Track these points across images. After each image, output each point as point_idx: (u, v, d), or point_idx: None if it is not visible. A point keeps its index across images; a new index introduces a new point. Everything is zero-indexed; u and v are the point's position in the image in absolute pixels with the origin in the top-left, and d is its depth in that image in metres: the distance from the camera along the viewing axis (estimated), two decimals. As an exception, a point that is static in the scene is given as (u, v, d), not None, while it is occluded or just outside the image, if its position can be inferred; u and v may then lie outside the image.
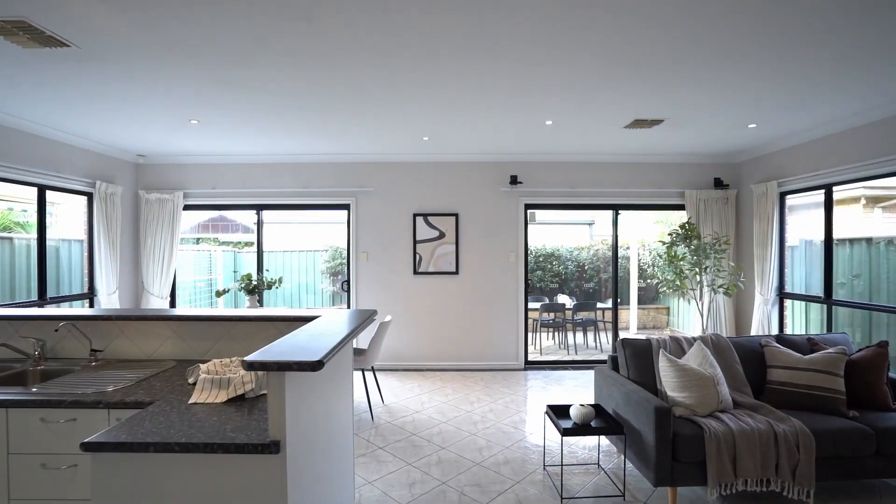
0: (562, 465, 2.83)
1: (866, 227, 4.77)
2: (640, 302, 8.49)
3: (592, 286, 8.79)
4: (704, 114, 3.85)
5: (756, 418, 2.57)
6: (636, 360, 3.00)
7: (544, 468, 3.02)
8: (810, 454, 2.42)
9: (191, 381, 1.98)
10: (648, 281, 8.51)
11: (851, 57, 2.69)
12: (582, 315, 7.11)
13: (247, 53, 2.63)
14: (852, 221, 4.82)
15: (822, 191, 4.37)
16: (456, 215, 5.47)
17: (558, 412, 2.91)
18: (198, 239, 9.78)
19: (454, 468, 3.02)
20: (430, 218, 5.46)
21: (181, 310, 2.64)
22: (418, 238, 5.45)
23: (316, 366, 1.35)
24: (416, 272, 5.46)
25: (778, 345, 3.07)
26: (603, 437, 3.28)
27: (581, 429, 2.67)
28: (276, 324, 2.39)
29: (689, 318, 6.67)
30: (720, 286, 4.84)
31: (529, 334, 7.14)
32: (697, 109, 3.74)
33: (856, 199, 5.16)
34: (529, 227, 5.64)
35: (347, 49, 2.58)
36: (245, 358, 1.36)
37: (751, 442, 2.43)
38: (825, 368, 2.76)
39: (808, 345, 3.09)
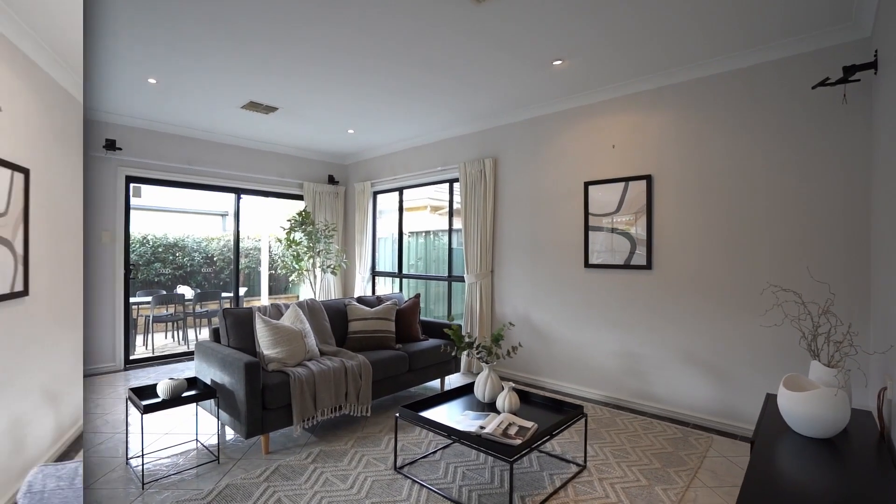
0: (143, 452, 2.58)
1: (428, 224, 6.67)
2: (271, 292, 8.73)
3: (225, 277, 8.39)
4: (314, 111, 4.39)
5: (334, 360, 3.14)
6: (237, 329, 3.09)
7: (127, 462, 2.66)
8: (368, 379, 3.18)
9: None
10: (279, 271, 8.90)
11: (415, 93, 3.73)
12: (207, 307, 6.67)
13: None
14: (420, 221, 6.63)
15: (397, 192, 5.79)
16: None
17: (144, 393, 2.64)
18: None
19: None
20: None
21: None
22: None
23: None
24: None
25: (357, 303, 3.86)
26: (211, 415, 3.19)
27: (168, 402, 2.52)
28: None
29: (312, 300, 7.39)
30: (328, 266, 5.62)
31: (140, 334, 6.13)
32: (309, 106, 4.22)
33: (424, 207, 7.15)
34: (147, 212, 4.83)
35: None
36: None
37: (326, 379, 2.96)
38: (383, 316, 3.68)
39: (377, 301, 4.04)
